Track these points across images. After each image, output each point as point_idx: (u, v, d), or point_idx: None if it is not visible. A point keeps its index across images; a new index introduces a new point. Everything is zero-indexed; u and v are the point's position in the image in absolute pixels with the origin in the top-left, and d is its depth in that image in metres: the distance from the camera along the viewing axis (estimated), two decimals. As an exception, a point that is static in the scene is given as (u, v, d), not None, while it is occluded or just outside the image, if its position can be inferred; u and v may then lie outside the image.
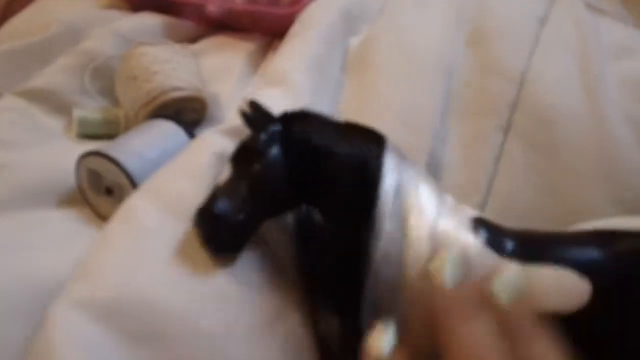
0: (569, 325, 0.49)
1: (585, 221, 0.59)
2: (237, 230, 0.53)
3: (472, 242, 0.51)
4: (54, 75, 0.87)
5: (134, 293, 0.49)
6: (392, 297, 0.49)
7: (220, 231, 0.52)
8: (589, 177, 0.68)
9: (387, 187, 0.51)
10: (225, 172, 0.55)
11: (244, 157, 0.55)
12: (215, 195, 0.53)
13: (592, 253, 0.51)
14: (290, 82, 0.72)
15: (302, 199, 0.56)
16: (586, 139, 0.69)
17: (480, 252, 0.51)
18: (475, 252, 0.50)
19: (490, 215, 0.62)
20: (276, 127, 0.55)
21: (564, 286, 0.49)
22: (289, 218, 0.61)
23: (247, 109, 0.58)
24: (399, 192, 0.51)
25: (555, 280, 0.50)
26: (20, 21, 1.04)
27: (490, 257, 0.50)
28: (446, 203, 0.53)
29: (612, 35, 0.86)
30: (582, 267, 0.49)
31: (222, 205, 0.51)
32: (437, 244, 0.49)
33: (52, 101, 0.86)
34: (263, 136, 0.54)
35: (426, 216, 0.51)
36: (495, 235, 0.53)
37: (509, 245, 0.52)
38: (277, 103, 0.60)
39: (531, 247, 0.53)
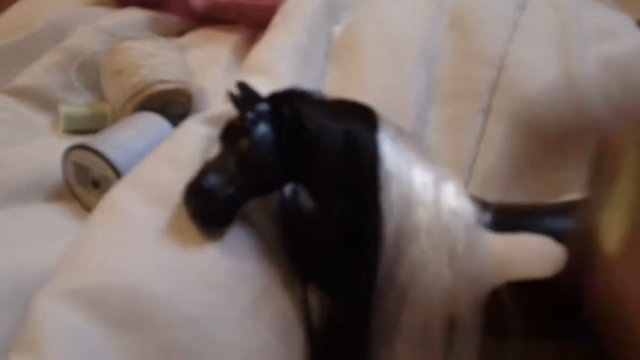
0: (547, 290, 0.50)
1: (564, 196, 0.60)
2: (226, 203, 0.54)
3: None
4: (39, 73, 0.88)
5: (118, 281, 0.50)
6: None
7: (209, 204, 0.53)
8: (568, 155, 0.69)
9: (390, 162, 0.52)
10: (214, 150, 0.56)
11: (232, 135, 0.56)
12: (204, 171, 0.54)
13: (567, 222, 0.53)
14: (273, 71, 0.73)
15: (290, 176, 0.57)
16: (565, 117, 0.70)
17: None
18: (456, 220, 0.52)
19: (473, 193, 0.64)
20: (263, 107, 0.57)
21: (539, 253, 0.51)
22: (275, 202, 0.61)
23: (235, 91, 0.59)
24: (400, 165, 0.52)
25: (531, 247, 0.51)
26: (4, 21, 1.04)
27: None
28: (436, 175, 0.55)
29: (592, 17, 0.87)
30: (558, 236, 0.51)
31: (211, 179, 0.53)
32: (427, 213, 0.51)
33: (38, 98, 0.86)
34: (250, 115, 0.56)
35: (422, 188, 0.52)
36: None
37: (487, 216, 0.53)
38: (261, 91, 0.61)
39: (509, 218, 0.54)
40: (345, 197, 0.53)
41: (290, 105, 0.56)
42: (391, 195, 0.51)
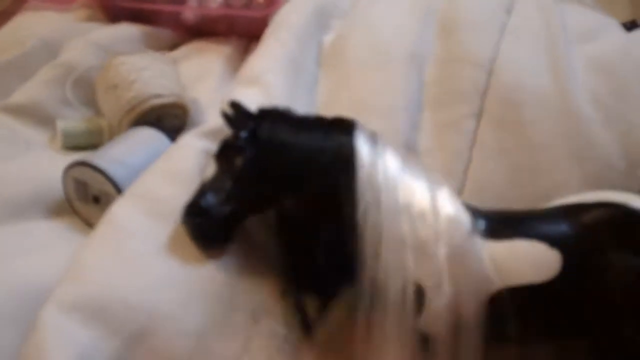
0: (542, 295, 0.52)
1: (557, 198, 0.62)
2: (224, 222, 0.56)
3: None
4: (35, 89, 0.88)
5: (121, 294, 0.51)
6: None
7: (208, 224, 0.55)
8: (558, 155, 0.70)
9: (364, 171, 0.53)
10: (210, 169, 0.58)
11: (226, 154, 0.57)
12: (202, 190, 0.56)
13: (560, 227, 0.54)
14: (264, 82, 0.74)
15: (280, 191, 0.58)
16: (553, 118, 0.72)
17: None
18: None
19: (467, 199, 0.65)
20: (253, 125, 0.58)
21: (535, 258, 0.52)
22: (272, 215, 0.62)
23: (228, 109, 0.60)
24: (376, 173, 0.53)
25: (526, 253, 0.52)
26: (-3, 39, 1.05)
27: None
28: (430, 181, 0.56)
29: (577, 20, 0.89)
30: (552, 240, 0.52)
31: (209, 198, 0.55)
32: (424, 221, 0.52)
33: (35, 114, 0.87)
34: (243, 134, 0.57)
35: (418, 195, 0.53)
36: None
37: (481, 223, 0.54)
38: (252, 103, 0.62)
39: (503, 224, 0.55)
40: (324, 208, 0.55)
41: (268, 126, 0.57)
42: (378, 204, 0.52)
